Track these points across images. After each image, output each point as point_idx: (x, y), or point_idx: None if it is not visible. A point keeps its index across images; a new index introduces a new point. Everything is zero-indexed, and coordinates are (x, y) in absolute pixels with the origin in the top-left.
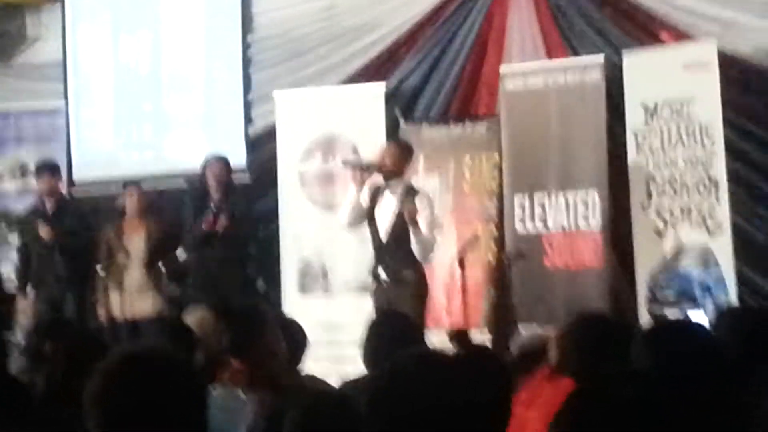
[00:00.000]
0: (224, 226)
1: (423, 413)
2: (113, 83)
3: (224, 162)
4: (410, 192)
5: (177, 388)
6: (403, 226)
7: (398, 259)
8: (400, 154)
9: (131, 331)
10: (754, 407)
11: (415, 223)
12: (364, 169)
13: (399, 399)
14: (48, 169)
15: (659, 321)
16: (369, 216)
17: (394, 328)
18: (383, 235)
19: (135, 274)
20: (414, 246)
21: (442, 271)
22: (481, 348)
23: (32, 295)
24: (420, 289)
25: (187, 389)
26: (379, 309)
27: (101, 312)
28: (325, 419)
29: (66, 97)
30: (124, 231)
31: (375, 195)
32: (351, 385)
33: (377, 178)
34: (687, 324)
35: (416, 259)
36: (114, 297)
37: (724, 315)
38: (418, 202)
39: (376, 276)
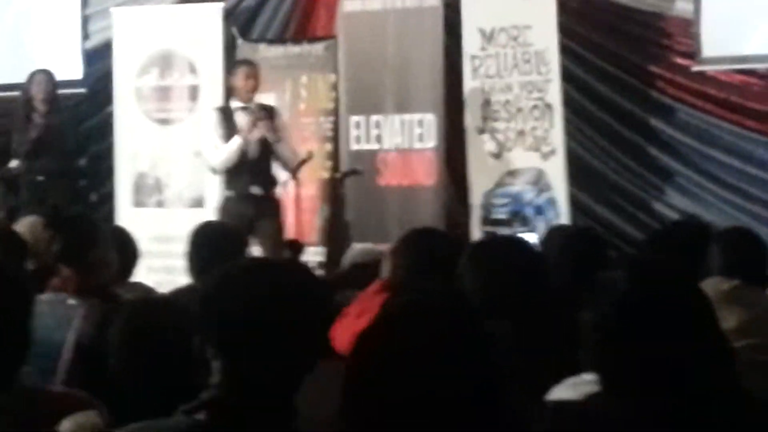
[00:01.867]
0: (50, 138)
1: (253, 312)
2: None
3: (47, 75)
4: (264, 109)
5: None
6: (265, 143)
7: (270, 177)
8: (256, 74)
9: None
10: (575, 320)
11: (280, 140)
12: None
13: (229, 299)
14: None
15: (485, 237)
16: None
17: (217, 237)
18: (256, 154)
19: None
20: (282, 161)
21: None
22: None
23: None
24: (281, 205)
25: (12, 293)
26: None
27: None
28: (150, 322)
29: None
30: None
31: (229, 113)
32: (177, 294)
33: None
34: (511, 240)
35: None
36: None
37: (549, 233)
38: (277, 119)
39: (247, 194)
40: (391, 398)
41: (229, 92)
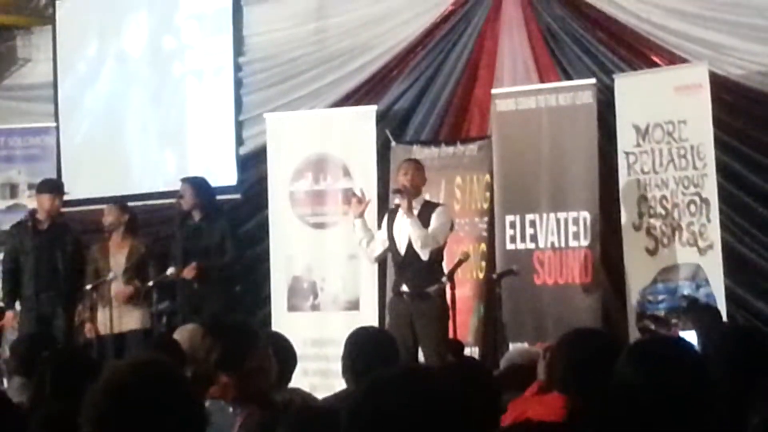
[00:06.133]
0: (204, 244)
1: (401, 427)
2: (103, 104)
3: (189, 184)
4: (429, 206)
5: (179, 399)
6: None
7: (422, 275)
8: (423, 172)
9: (119, 346)
10: (741, 423)
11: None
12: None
13: (377, 413)
14: (54, 188)
15: (644, 336)
16: (389, 236)
17: (374, 343)
18: (403, 251)
19: (117, 289)
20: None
21: None
22: (470, 359)
23: (21, 311)
24: (443, 305)
25: (189, 400)
26: (398, 324)
27: (88, 329)
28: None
29: (56, 118)
30: (109, 249)
31: (393, 213)
32: (334, 399)
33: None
34: (670, 339)
35: (440, 276)
36: (101, 313)
37: (709, 331)
38: (438, 212)
39: (398, 291)
40: None
41: (397, 189)
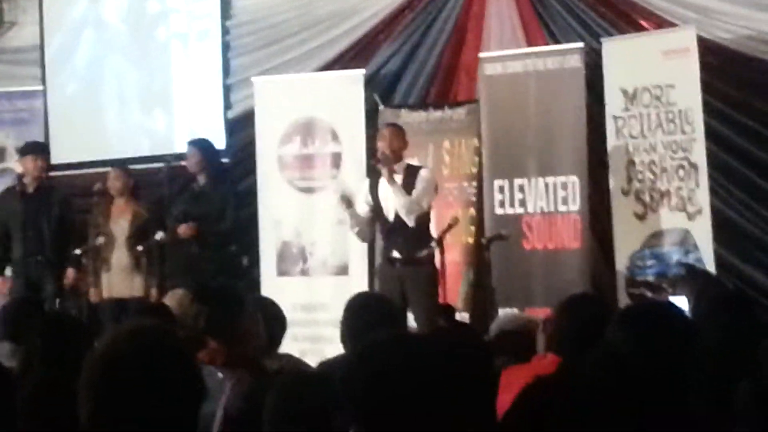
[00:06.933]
0: (205, 210)
1: (395, 391)
2: (90, 67)
3: (192, 146)
4: (412, 170)
5: (178, 367)
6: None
7: (411, 240)
8: (402, 136)
9: (114, 312)
10: (730, 388)
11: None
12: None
13: (371, 377)
14: (35, 149)
15: (635, 302)
16: (375, 202)
17: (373, 308)
18: (391, 217)
19: (119, 255)
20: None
21: None
22: (461, 323)
23: (11, 276)
24: (433, 270)
25: (188, 368)
26: (388, 289)
27: (93, 293)
28: (304, 399)
29: (44, 81)
30: (111, 213)
31: (376, 178)
32: (328, 365)
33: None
34: (661, 305)
35: (429, 241)
36: (99, 278)
37: (701, 298)
38: (421, 176)
39: (389, 258)
40: None
41: (375, 156)
